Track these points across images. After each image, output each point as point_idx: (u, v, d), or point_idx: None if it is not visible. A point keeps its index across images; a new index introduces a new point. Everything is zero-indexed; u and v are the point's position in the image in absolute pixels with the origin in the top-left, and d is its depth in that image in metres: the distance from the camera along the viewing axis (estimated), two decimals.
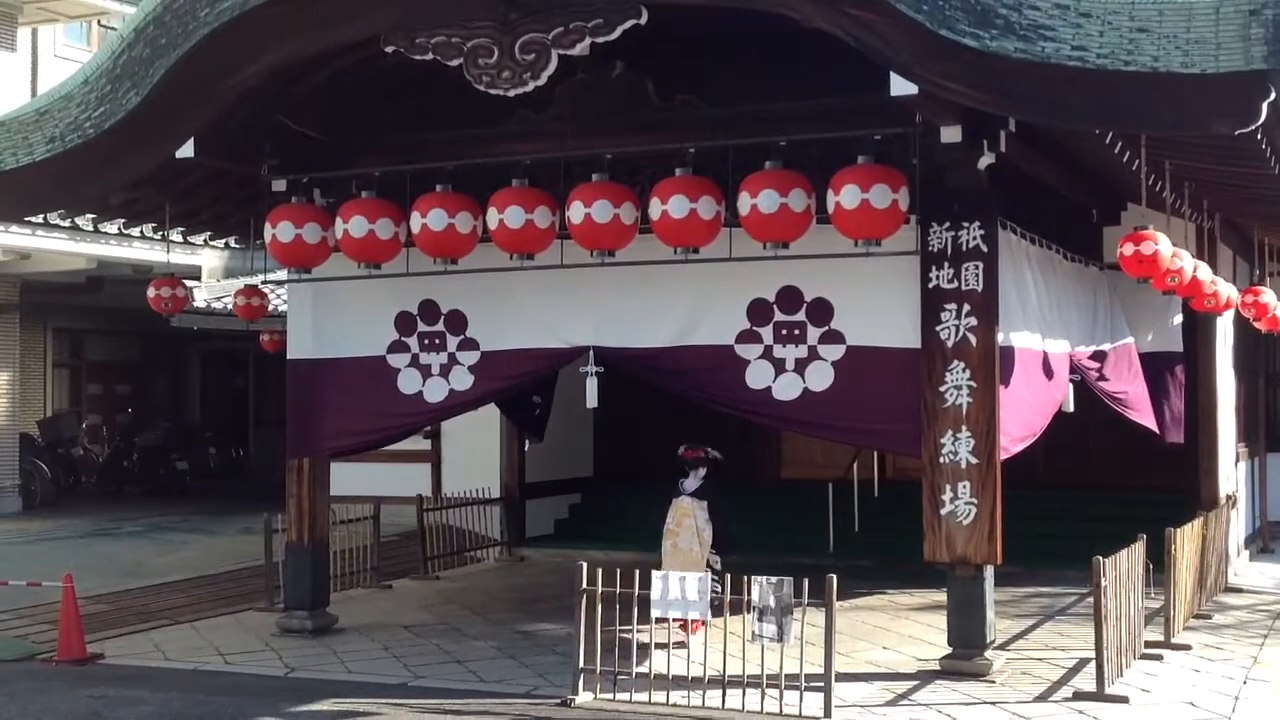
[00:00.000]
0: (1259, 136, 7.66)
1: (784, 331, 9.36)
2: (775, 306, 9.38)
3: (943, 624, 9.29)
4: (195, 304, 17.71)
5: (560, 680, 8.89)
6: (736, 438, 15.97)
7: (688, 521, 10.16)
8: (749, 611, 8.15)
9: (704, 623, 8.75)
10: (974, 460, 8.87)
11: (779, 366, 9.37)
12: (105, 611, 11.70)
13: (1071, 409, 10.83)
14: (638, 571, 8.59)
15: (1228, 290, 11.41)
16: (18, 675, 9.64)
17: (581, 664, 8.58)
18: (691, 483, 10.28)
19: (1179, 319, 12.53)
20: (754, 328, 9.43)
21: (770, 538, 14.70)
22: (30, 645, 10.58)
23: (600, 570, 8.68)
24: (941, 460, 8.94)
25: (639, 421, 16.12)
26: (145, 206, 11.78)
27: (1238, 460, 14.04)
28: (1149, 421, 11.93)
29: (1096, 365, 11.08)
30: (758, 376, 9.43)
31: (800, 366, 9.32)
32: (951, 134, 8.65)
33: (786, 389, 9.36)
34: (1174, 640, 9.82)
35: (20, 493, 19.29)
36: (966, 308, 8.86)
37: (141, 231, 16.73)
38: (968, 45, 7.54)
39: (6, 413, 19.18)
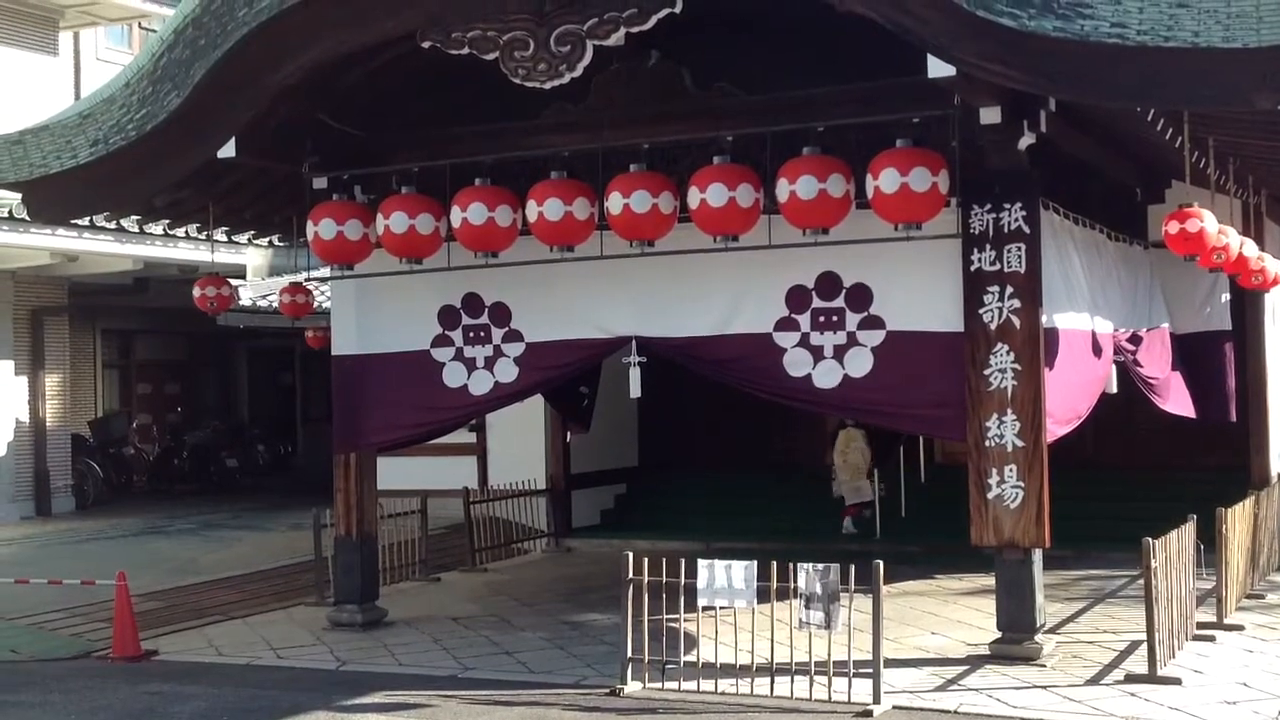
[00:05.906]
0: None
1: (821, 318, 9.29)
2: (814, 293, 9.31)
3: (992, 608, 9.24)
4: (240, 302, 17.93)
5: (609, 670, 8.91)
6: (781, 424, 15.98)
7: (855, 444, 14.40)
8: (796, 598, 8.13)
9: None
10: (1020, 443, 8.80)
11: (817, 354, 9.30)
12: (158, 609, 11.83)
13: (1115, 390, 10.73)
14: (684, 560, 8.59)
15: (1275, 266, 11.27)
16: (74, 673, 9.78)
17: (630, 653, 8.59)
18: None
19: (1226, 296, 12.39)
20: (792, 315, 9.37)
21: (815, 523, 14.70)
22: (85, 643, 10.72)
23: (647, 560, 8.69)
24: (987, 444, 8.87)
25: (684, 411, 16.15)
26: (189, 207, 11.86)
27: None
28: (1177, 409, 11.73)
29: (1133, 349, 10.97)
30: (796, 364, 9.37)
31: (839, 353, 9.24)
32: (991, 115, 8.55)
33: (825, 376, 9.30)
34: (1226, 621, 9.73)
35: (73, 492, 19.53)
36: (1009, 289, 8.78)
37: (186, 232, 16.85)
38: (1005, 25, 7.48)
39: (58, 414, 19.40)
